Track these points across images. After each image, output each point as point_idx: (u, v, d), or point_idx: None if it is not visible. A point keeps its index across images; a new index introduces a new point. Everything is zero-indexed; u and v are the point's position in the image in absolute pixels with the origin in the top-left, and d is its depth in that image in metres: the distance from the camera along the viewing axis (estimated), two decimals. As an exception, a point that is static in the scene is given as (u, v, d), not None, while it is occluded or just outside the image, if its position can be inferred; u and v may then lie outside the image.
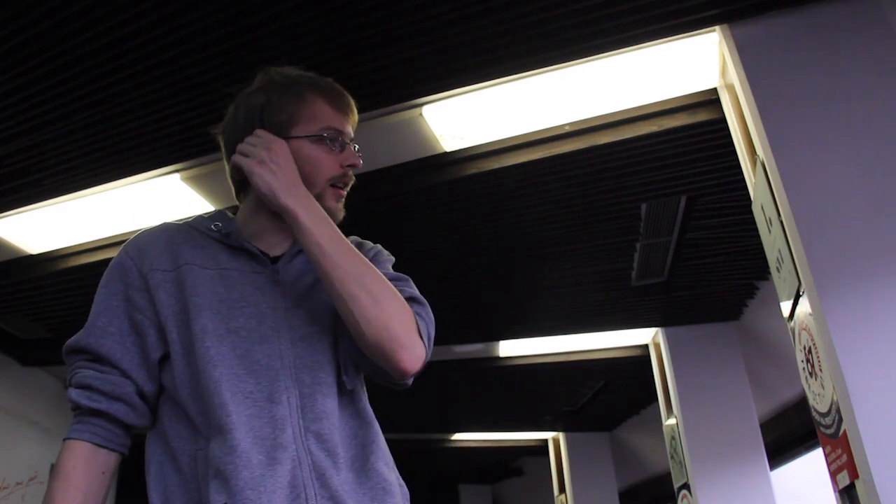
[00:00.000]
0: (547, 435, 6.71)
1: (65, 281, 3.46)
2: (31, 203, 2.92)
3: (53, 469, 1.02)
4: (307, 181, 1.09)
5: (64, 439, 1.03)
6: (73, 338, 1.07)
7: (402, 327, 1.02)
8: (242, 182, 1.15)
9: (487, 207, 3.05)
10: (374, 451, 1.06)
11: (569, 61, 2.32)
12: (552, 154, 2.68)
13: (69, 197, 2.88)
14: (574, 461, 6.37)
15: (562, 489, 6.51)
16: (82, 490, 1.00)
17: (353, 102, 1.18)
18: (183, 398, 1.02)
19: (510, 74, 2.37)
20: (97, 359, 1.05)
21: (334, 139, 1.12)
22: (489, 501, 9.01)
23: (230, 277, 1.08)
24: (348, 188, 1.15)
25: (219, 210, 1.19)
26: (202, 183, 2.80)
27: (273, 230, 1.13)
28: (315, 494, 0.97)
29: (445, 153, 2.74)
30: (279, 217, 1.09)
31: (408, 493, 1.09)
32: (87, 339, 1.06)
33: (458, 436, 6.81)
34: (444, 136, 2.64)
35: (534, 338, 4.55)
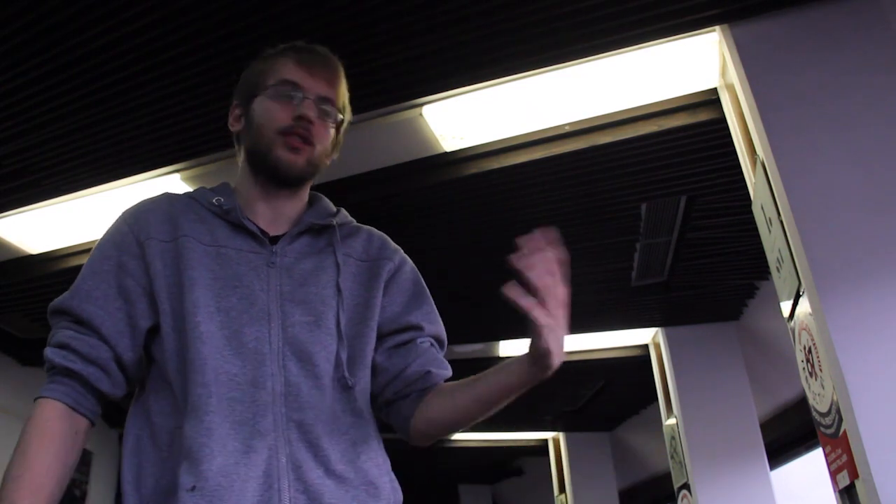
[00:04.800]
0: (547, 435, 6.70)
1: (65, 281, 3.43)
2: (31, 203, 2.92)
3: (25, 425, 0.97)
4: (259, 133, 1.09)
5: (35, 399, 0.99)
6: (57, 299, 1.05)
7: None
8: (239, 145, 1.16)
9: (487, 207, 3.05)
10: (366, 450, 1.03)
11: (569, 61, 2.32)
12: (552, 154, 2.68)
13: (69, 197, 2.88)
14: (574, 461, 6.37)
15: (562, 489, 6.50)
16: (57, 443, 0.96)
17: (329, 63, 1.13)
18: (170, 372, 0.99)
19: (510, 74, 2.37)
20: (78, 321, 1.02)
21: (288, 92, 1.09)
22: (489, 501, 9.00)
23: (226, 255, 1.05)
24: (314, 140, 1.09)
25: (223, 183, 1.16)
26: (202, 183, 2.75)
27: (265, 202, 1.11)
28: (289, 486, 0.94)
29: (445, 153, 2.74)
30: (269, 189, 1.11)
31: (401, 498, 1.05)
32: (70, 302, 1.03)
33: (457, 436, 6.80)
34: (444, 136, 2.64)
35: (534, 338, 4.55)
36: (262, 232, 1.08)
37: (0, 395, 4.50)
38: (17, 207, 2.95)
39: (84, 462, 5.04)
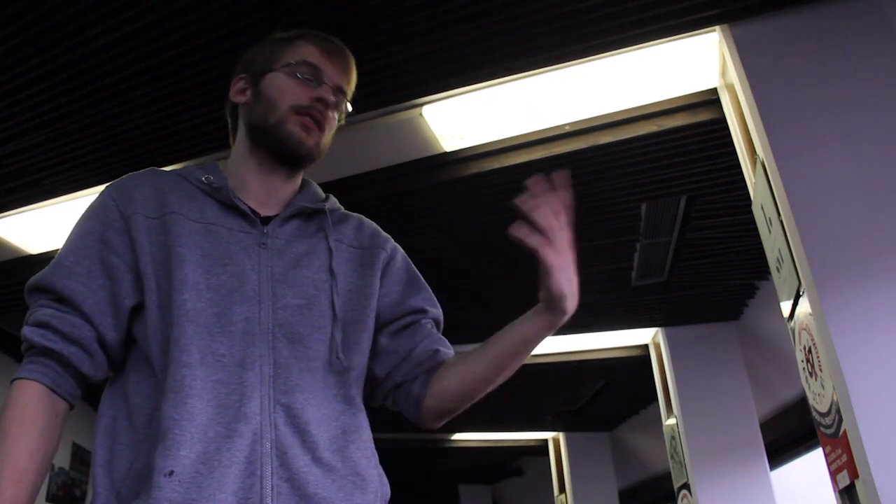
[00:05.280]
0: (547, 435, 6.71)
1: (65, 281, 3.46)
2: (31, 203, 2.92)
3: (4, 409, 0.92)
4: (271, 106, 1.07)
5: (12, 380, 0.94)
6: (36, 275, 1.00)
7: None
8: (234, 120, 1.15)
9: (488, 207, 3.05)
10: (356, 440, 0.99)
11: (569, 61, 2.32)
12: (552, 154, 2.68)
13: (69, 197, 2.88)
14: (574, 461, 6.37)
15: (562, 489, 6.50)
16: (38, 428, 0.91)
17: (348, 56, 1.14)
18: (152, 352, 0.95)
19: (510, 74, 2.37)
20: (59, 299, 0.97)
21: (309, 74, 1.08)
22: (489, 501, 9.00)
23: (216, 233, 1.02)
24: (325, 126, 1.09)
25: (212, 162, 1.13)
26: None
27: (259, 181, 1.09)
28: (272, 473, 0.90)
29: (445, 153, 2.74)
30: (266, 167, 1.09)
31: (388, 493, 1.02)
32: (51, 278, 0.98)
33: (457, 436, 6.80)
34: (444, 136, 2.64)
35: (534, 338, 4.55)
36: (253, 212, 1.06)
37: (0, 395, 4.50)
38: (17, 207, 2.95)
39: (84, 461, 5.04)
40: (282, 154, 1.08)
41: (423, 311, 1.13)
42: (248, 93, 1.11)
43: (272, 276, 1.01)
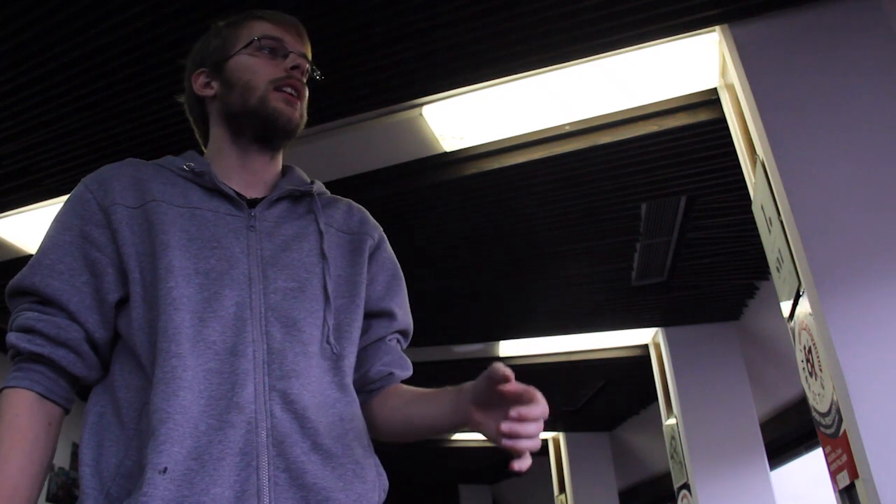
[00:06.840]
0: (547, 435, 6.70)
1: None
2: (31, 203, 2.92)
3: None
4: (248, 87, 1.05)
5: (0, 389, 0.91)
6: (16, 277, 0.95)
7: None
8: (202, 118, 1.13)
9: (487, 208, 3.05)
10: (353, 428, 0.96)
11: (569, 61, 2.32)
12: (552, 154, 2.68)
13: (69, 197, 2.88)
14: (574, 461, 6.37)
15: (562, 489, 6.50)
16: (29, 439, 0.88)
17: (300, 25, 1.13)
18: (138, 345, 0.92)
19: (510, 74, 2.37)
20: (43, 301, 0.93)
21: (273, 48, 1.07)
22: (489, 501, 9.01)
23: (202, 217, 0.98)
24: (302, 96, 1.08)
25: (189, 151, 1.10)
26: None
27: (241, 166, 1.07)
28: (268, 464, 0.86)
29: (445, 153, 2.74)
30: (249, 152, 1.07)
31: (387, 483, 0.99)
32: (32, 279, 0.94)
33: (458, 436, 6.80)
34: (444, 136, 2.64)
35: (534, 338, 4.55)
36: (239, 195, 1.03)
37: (0, 395, 4.50)
38: (17, 207, 2.95)
39: (84, 462, 5.03)
40: (271, 132, 1.06)
41: (392, 317, 1.10)
42: (215, 84, 1.09)
43: (262, 259, 0.98)
